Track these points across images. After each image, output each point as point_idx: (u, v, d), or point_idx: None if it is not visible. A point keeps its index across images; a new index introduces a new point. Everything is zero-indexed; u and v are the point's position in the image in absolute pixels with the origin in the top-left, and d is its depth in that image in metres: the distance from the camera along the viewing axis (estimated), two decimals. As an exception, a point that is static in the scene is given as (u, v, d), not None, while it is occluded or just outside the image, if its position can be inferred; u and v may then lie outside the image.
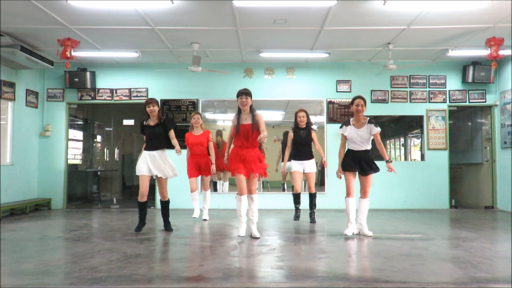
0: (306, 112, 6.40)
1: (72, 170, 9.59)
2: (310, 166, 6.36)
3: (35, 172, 8.68)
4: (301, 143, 6.34)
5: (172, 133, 5.57)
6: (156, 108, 5.50)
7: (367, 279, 3.28)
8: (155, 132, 5.48)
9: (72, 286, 3.13)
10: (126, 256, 4.08)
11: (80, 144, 10.96)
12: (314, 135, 6.42)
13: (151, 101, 5.51)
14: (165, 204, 5.63)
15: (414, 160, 9.89)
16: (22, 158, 8.21)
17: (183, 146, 6.44)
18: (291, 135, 6.41)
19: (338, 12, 5.99)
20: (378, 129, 5.20)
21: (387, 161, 5.22)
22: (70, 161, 9.47)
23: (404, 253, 4.24)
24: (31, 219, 7.11)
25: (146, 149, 5.52)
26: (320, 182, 8.86)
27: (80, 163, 10.79)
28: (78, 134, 10.85)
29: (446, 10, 5.93)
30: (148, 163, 5.42)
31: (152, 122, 5.54)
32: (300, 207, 6.57)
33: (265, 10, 5.96)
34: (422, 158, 8.88)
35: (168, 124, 5.57)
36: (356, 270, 3.70)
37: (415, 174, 8.69)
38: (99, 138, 11.90)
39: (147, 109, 5.49)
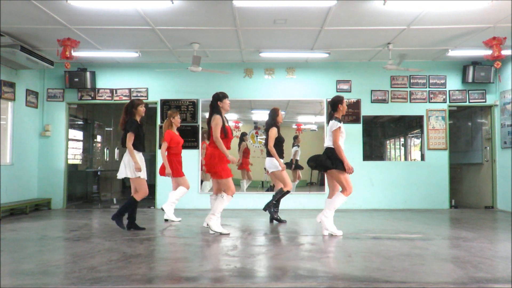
0: None
1: (72, 170, 9.59)
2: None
3: (35, 172, 8.68)
4: (282, 142, 6.32)
5: None
6: None
7: (367, 279, 3.28)
8: (144, 134, 5.55)
9: (72, 286, 3.13)
10: (126, 256, 4.08)
11: (80, 144, 10.96)
12: None
13: (143, 102, 5.58)
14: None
15: (414, 160, 9.90)
16: (22, 158, 8.21)
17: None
18: (275, 132, 6.23)
19: (338, 12, 5.99)
20: None
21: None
22: (70, 161, 9.47)
23: (404, 253, 4.24)
24: (31, 219, 7.11)
25: (140, 150, 5.47)
26: (320, 182, 8.87)
27: (80, 163, 10.79)
28: (78, 134, 10.85)
29: (446, 10, 5.92)
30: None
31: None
32: None
33: (265, 10, 5.96)
34: (422, 158, 8.88)
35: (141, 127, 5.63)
36: (356, 270, 3.70)
37: (415, 174, 8.69)
38: (99, 138, 11.90)
39: (140, 108, 5.48)
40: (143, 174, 5.45)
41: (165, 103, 8.82)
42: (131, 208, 5.53)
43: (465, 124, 10.05)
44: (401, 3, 5.68)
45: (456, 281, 3.23)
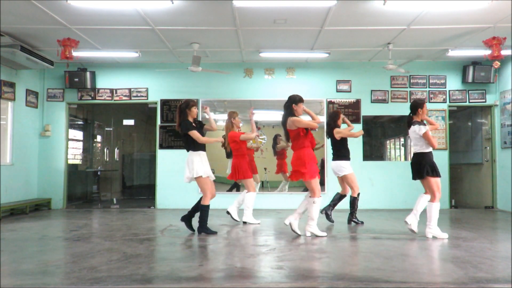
0: None
1: (72, 170, 9.58)
2: None
3: (35, 172, 8.68)
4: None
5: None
6: None
7: (367, 279, 3.28)
8: (201, 133, 5.38)
9: (72, 286, 3.13)
10: (126, 256, 4.08)
11: (80, 144, 10.95)
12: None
13: (196, 103, 5.45)
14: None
15: (414, 160, 9.83)
16: (22, 158, 8.21)
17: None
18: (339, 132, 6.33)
19: (338, 12, 5.99)
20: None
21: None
22: (70, 161, 9.47)
23: (404, 253, 4.24)
24: (31, 219, 7.11)
25: (200, 149, 5.31)
26: (320, 182, 8.83)
27: (80, 163, 10.79)
28: (78, 134, 10.85)
29: (446, 10, 5.93)
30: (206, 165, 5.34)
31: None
32: None
33: (265, 10, 5.96)
34: (422, 158, 8.86)
35: (201, 125, 5.49)
36: (356, 270, 3.70)
37: (415, 174, 8.67)
38: (99, 138, 11.90)
39: (194, 109, 5.33)
40: (202, 172, 5.25)
41: (165, 103, 8.82)
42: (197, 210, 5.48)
43: (465, 124, 10.04)
44: (401, 3, 5.68)
45: (456, 281, 3.24)
